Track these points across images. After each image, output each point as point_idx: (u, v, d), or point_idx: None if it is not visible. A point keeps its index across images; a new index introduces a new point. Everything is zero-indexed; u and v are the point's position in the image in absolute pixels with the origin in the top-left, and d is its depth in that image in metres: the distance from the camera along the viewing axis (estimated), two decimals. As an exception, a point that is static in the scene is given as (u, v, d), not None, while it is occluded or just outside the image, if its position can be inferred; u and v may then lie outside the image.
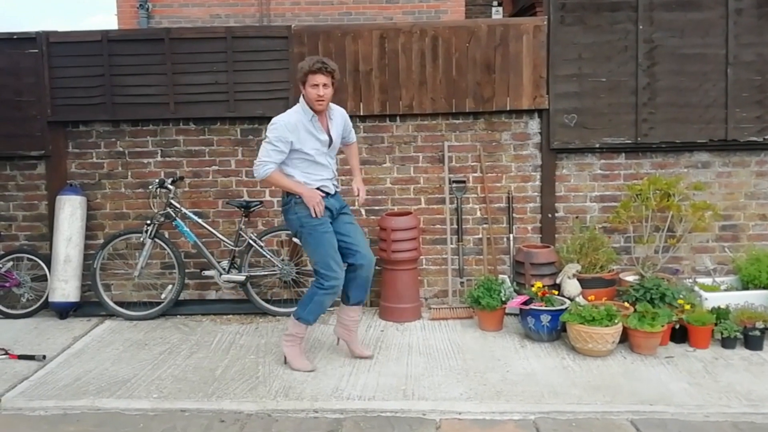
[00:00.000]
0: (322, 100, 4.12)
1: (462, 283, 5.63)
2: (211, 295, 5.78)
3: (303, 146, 4.14)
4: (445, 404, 3.76)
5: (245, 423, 3.61)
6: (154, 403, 3.85)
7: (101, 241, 5.65)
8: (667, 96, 5.41)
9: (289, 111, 4.25)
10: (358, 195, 4.49)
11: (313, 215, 4.15)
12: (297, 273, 5.48)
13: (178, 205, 5.45)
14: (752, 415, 3.59)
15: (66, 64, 5.58)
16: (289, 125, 4.12)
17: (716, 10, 5.34)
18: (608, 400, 3.76)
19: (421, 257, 5.55)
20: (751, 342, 4.47)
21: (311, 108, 4.15)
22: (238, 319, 5.41)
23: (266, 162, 4.11)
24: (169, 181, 5.45)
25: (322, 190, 4.23)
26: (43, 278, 5.56)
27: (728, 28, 5.33)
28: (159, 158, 5.72)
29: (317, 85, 4.08)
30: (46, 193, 5.72)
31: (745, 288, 4.96)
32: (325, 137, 4.22)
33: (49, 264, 5.49)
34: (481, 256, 5.63)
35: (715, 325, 4.54)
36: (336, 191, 4.37)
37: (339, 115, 4.37)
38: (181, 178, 5.67)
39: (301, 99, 4.20)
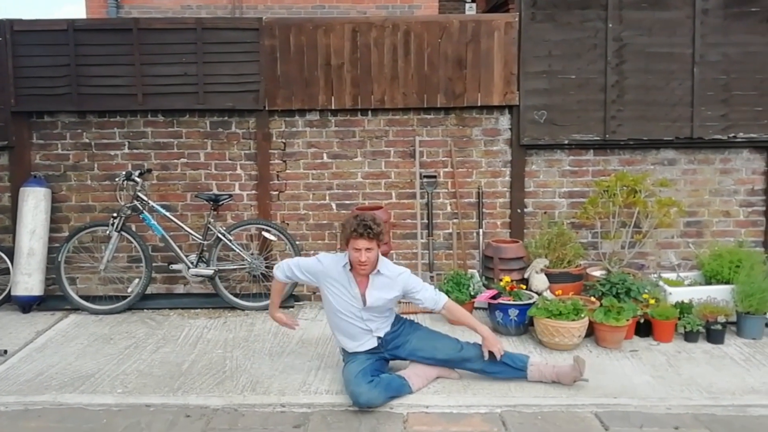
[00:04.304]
0: (365, 266, 3.78)
1: (432, 277, 5.64)
2: (179, 289, 5.71)
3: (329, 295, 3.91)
4: (412, 398, 3.77)
5: (211, 418, 3.58)
6: (118, 398, 3.80)
7: (66, 233, 5.55)
8: (635, 94, 5.48)
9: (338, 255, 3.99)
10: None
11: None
12: (266, 267, 5.44)
13: (145, 198, 5.38)
14: (713, 407, 3.66)
15: (31, 53, 5.46)
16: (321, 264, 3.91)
17: (683, 10, 5.42)
18: (573, 393, 3.81)
19: (392, 251, 5.54)
20: (713, 336, 4.56)
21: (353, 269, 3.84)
22: (207, 313, 5.36)
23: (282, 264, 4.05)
24: (137, 173, 5.37)
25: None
26: (6, 271, 5.44)
27: (695, 27, 5.41)
28: (126, 150, 5.64)
29: (359, 249, 3.74)
30: (9, 184, 5.60)
31: (708, 283, 5.05)
32: (357, 292, 3.87)
33: (11, 257, 5.38)
34: (451, 251, 5.66)
35: (679, 319, 4.63)
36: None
37: (388, 281, 3.88)
38: (149, 171, 5.59)
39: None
